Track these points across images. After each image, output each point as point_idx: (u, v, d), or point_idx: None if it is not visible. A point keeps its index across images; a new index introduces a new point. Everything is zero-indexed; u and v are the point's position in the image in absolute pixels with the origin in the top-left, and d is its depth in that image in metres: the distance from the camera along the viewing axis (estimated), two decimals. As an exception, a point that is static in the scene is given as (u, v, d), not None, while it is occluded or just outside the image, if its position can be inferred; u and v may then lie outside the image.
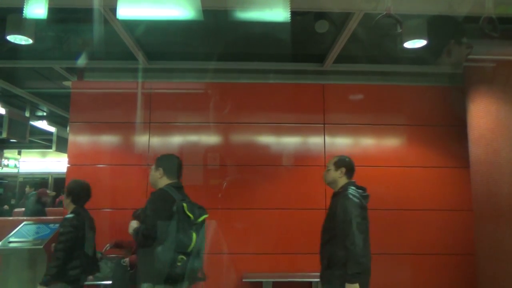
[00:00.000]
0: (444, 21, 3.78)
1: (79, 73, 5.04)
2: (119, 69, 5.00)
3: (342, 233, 2.92)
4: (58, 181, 13.29)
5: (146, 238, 2.63)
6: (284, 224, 4.84)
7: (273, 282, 4.57)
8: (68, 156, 4.81)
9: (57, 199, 9.18)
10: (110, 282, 4.31)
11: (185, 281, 2.61)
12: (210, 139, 4.97)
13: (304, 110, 5.03)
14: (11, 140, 10.99)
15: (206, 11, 3.62)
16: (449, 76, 5.10)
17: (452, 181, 4.91)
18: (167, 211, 2.60)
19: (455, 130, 4.89)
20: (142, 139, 4.89)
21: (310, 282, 4.66)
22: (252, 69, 5.01)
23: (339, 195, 3.07)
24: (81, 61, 4.74)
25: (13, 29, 3.90)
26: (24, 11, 3.53)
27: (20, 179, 13.64)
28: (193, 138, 4.97)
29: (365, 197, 3.12)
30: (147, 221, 2.68)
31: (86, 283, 4.40)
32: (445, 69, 4.95)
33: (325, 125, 5.00)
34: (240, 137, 4.99)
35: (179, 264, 2.52)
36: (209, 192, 4.83)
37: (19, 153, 12.82)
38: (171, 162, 2.96)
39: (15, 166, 12.72)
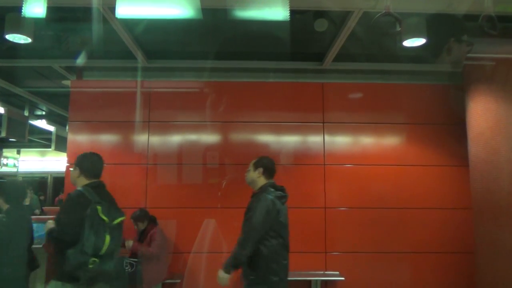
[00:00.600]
0: (444, 20, 3.77)
1: (78, 72, 5.03)
2: (118, 68, 5.00)
3: None
4: (58, 181, 13.29)
5: (59, 240, 2.60)
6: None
7: (273, 280, 4.57)
8: (67, 156, 4.80)
9: (56, 198, 9.17)
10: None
11: (99, 283, 2.62)
12: (210, 138, 4.97)
13: (304, 109, 5.03)
14: (10, 139, 11.02)
15: (205, 10, 3.62)
16: (449, 75, 5.10)
17: (452, 180, 4.91)
18: (80, 213, 2.52)
19: (454, 128, 4.89)
20: (142, 138, 4.88)
21: (310, 281, 4.66)
22: (252, 68, 5.01)
23: (256, 195, 3.08)
24: (80, 60, 4.73)
25: (12, 28, 3.89)
26: (22, 10, 3.53)
27: (19, 179, 13.61)
28: (192, 137, 4.97)
29: (281, 198, 3.13)
30: (60, 223, 2.63)
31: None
32: (445, 68, 4.95)
33: (324, 123, 5.00)
34: (239, 136, 4.99)
35: (91, 266, 2.50)
36: (209, 191, 4.83)
37: (18, 152, 12.80)
38: (88, 161, 2.83)
39: (14, 166, 12.69)
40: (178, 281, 4.50)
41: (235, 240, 4.68)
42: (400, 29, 3.44)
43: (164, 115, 4.93)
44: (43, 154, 14.30)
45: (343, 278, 4.58)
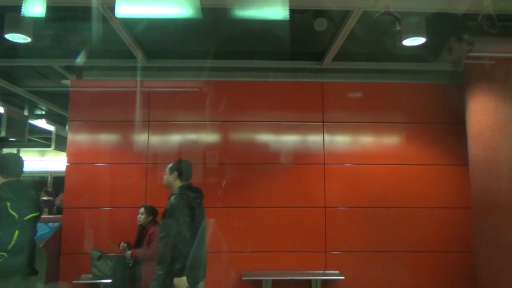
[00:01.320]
0: (444, 19, 3.77)
1: (77, 71, 5.03)
2: (118, 67, 4.99)
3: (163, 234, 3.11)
4: (57, 180, 13.25)
5: None
6: (283, 222, 4.85)
7: (273, 280, 4.58)
8: (67, 155, 4.80)
9: (57, 198, 9.13)
10: (110, 280, 4.32)
11: (10, 277, 2.76)
12: (209, 137, 4.97)
13: (303, 108, 5.03)
14: (10, 139, 11.01)
15: (204, 9, 3.62)
16: (449, 74, 5.09)
17: (451, 179, 4.92)
18: None
19: (454, 128, 4.89)
20: (141, 138, 4.88)
21: (310, 280, 4.66)
22: (251, 67, 5.01)
23: (171, 197, 3.22)
24: (80, 60, 4.73)
25: (11, 28, 3.89)
26: (22, 9, 3.53)
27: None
28: (192, 136, 4.97)
29: (197, 198, 3.26)
30: None
31: (85, 281, 4.43)
32: (445, 67, 4.95)
33: (324, 123, 5.00)
34: (239, 135, 4.99)
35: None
36: (209, 190, 4.81)
37: (18, 152, 12.78)
38: (5, 161, 2.98)
39: (14, 165, 12.66)
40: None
41: (235, 238, 4.74)
42: (399, 28, 3.45)
43: (163, 115, 4.93)
44: (42, 153, 14.28)
45: (343, 277, 4.58)
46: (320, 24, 3.88)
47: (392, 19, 3.24)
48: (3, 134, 5.94)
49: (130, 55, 4.56)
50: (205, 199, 4.79)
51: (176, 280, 2.92)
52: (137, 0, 3.55)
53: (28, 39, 4.03)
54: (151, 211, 4.47)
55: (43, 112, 8.06)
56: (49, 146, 8.31)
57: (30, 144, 10.86)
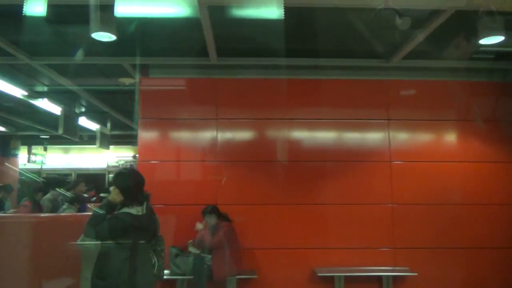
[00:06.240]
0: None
1: (144, 69, 5.05)
2: (184, 65, 5.00)
3: None
4: (81, 177, 13.28)
5: None
6: (350, 219, 4.89)
7: (345, 276, 4.63)
8: (139, 153, 4.84)
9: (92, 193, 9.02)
10: (187, 277, 4.37)
11: None
12: (276, 135, 5.01)
13: (368, 106, 5.07)
14: (42, 136, 11.07)
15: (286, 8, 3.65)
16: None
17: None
18: None
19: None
20: (210, 135, 4.92)
21: (380, 276, 4.71)
22: (314, 65, 5.01)
23: None
24: (151, 58, 4.76)
25: (98, 26, 3.92)
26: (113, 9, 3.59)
27: (44, 175, 13.63)
28: (259, 134, 5.01)
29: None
30: None
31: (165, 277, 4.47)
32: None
33: (389, 120, 5.04)
34: (306, 133, 5.03)
35: None
36: (278, 188, 4.88)
37: (45, 149, 12.83)
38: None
39: (42, 162, 12.72)
40: (255, 277, 4.55)
41: (306, 234, 4.77)
42: (400, 21, 3.46)
43: (231, 113, 4.97)
44: (66, 151, 14.33)
45: (415, 274, 4.63)
46: (405, 23, 3.90)
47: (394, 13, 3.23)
48: (60, 132, 5.99)
49: (203, 53, 4.57)
50: (277, 195, 4.87)
51: None
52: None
53: (113, 38, 4.08)
54: (210, 211, 4.53)
55: (85, 110, 8.09)
56: (93, 143, 8.34)
57: (71, 141, 10.89)
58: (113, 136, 9.46)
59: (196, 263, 4.33)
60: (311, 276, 4.74)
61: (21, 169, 11.46)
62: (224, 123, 4.95)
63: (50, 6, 3.71)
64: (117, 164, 13.97)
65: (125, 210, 2.92)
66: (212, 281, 4.37)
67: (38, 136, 10.50)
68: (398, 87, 5.07)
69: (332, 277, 4.64)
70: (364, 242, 4.86)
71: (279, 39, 4.59)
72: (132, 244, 2.94)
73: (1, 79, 5.53)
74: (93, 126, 8.24)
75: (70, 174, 14.07)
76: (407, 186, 4.94)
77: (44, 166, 13.44)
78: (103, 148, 8.15)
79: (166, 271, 4.47)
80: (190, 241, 4.53)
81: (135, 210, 2.94)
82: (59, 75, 5.36)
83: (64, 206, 4.98)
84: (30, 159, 12.00)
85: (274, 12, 3.91)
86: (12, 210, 5.58)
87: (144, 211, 2.99)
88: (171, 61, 4.81)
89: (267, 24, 4.13)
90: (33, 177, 11.02)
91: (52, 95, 6.70)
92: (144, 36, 4.47)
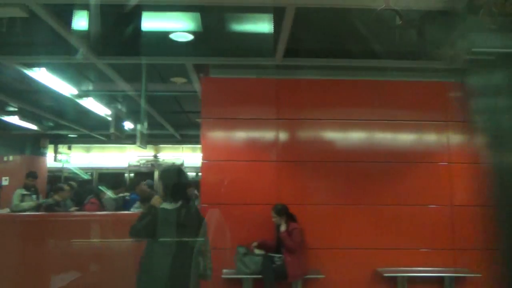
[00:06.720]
0: None
1: (205, 69, 5.07)
2: (245, 65, 5.03)
3: None
4: (102, 177, 13.30)
5: None
6: (408, 220, 4.92)
7: (408, 277, 4.65)
8: (202, 152, 4.86)
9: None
10: (256, 276, 4.39)
11: None
12: (338, 135, 5.04)
13: (426, 108, 5.10)
14: (70, 135, 11.10)
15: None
16: None
17: None
18: None
19: None
20: (272, 135, 4.95)
21: (441, 277, 4.73)
22: (371, 66, 5.04)
23: None
24: (216, 58, 4.78)
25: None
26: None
27: (65, 174, 13.66)
28: (320, 134, 5.03)
29: None
30: None
31: (231, 276, 4.50)
32: None
33: (448, 122, 5.07)
34: (366, 134, 5.06)
35: None
36: (341, 188, 4.91)
37: (69, 148, 12.86)
38: None
39: (67, 162, 12.75)
40: (323, 276, 4.57)
41: (370, 235, 4.79)
42: (400, 22, 3.50)
43: (293, 113, 5.00)
44: (88, 150, 14.36)
45: (479, 275, 4.65)
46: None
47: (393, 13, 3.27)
48: (112, 131, 6.03)
49: (270, 54, 4.60)
50: (338, 196, 4.89)
51: None
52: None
53: (190, 37, 4.13)
54: (281, 210, 4.55)
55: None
56: (134, 142, 8.33)
57: (111, 140, 10.96)
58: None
59: (265, 263, 4.35)
60: (374, 276, 4.76)
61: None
62: (285, 124, 4.99)
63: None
64: (138, 164, 14.00)
65: (163, 205, 3.09)
66: (286, 281, 4.39)
67: (65, 135, 10.53)
68: (457, 88, 5.09)
69: (395, 277, 4.66)
70: (422, 243, 4.88)
71: (347, 40, 4.63)
72: (173, 242, 3.06)
73: (57, 77, 5.58)
74: (129, 125, 8.25)
75: (92, 173, 14.11)
76: (466, 187, 4.95)
77: (65, 165, 13.48)
78: (141, 147, 8.14)
79: (226, 270, 4.52)
80: (255, 243, 4.55)
81: (171, 206, 3.07)
82: (117, 75, 5.39)
83: (136, 205, 5.13)
84: (56, 158, 12.02)
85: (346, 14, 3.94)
86: (73, 208, 5.62)
87: (179, 207, 3.09)
88: (236, 61, 4.82)
89: (339, 26, 4.17)
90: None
91: (98, 95, 6.76)
92: (214, 35, 4.51)
